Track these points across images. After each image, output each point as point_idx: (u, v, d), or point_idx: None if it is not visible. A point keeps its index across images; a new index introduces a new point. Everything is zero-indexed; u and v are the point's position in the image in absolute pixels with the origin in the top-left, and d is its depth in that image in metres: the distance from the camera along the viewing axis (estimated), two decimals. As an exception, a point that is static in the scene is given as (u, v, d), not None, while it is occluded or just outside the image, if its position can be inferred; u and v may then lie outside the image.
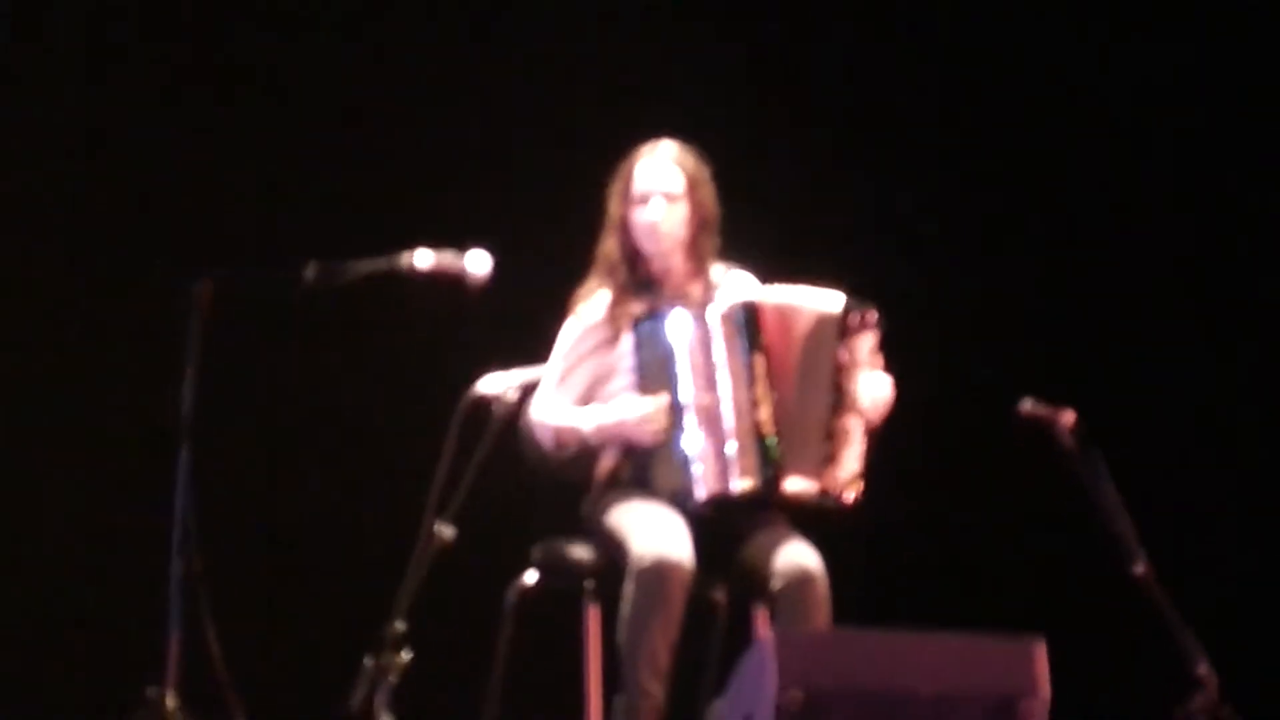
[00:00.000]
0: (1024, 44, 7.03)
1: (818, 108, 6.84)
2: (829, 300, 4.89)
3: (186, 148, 6.30)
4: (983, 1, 6.97)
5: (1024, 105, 7.04)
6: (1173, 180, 7.08)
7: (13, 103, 6.17)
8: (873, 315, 4.91)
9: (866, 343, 4.91)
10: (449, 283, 4.84)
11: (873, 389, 4.90)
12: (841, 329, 4.86)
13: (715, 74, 6.66)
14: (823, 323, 4.87)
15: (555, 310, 5.07)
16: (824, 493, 4.83)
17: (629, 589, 4.70)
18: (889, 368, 4.97)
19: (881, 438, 4.95)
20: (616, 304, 5.00)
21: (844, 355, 4.86)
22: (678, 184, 5.02)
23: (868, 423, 4.90)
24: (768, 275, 5.10)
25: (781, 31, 6.85)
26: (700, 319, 4.84)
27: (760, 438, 4.81)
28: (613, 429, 4.89)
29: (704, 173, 5.06)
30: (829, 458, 4.83)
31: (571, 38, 6.59)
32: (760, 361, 4.83)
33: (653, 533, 4.76)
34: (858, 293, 4.91)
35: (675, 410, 4.82)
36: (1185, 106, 7.06)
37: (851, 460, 4.86)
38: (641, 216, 5.01)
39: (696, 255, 5.05)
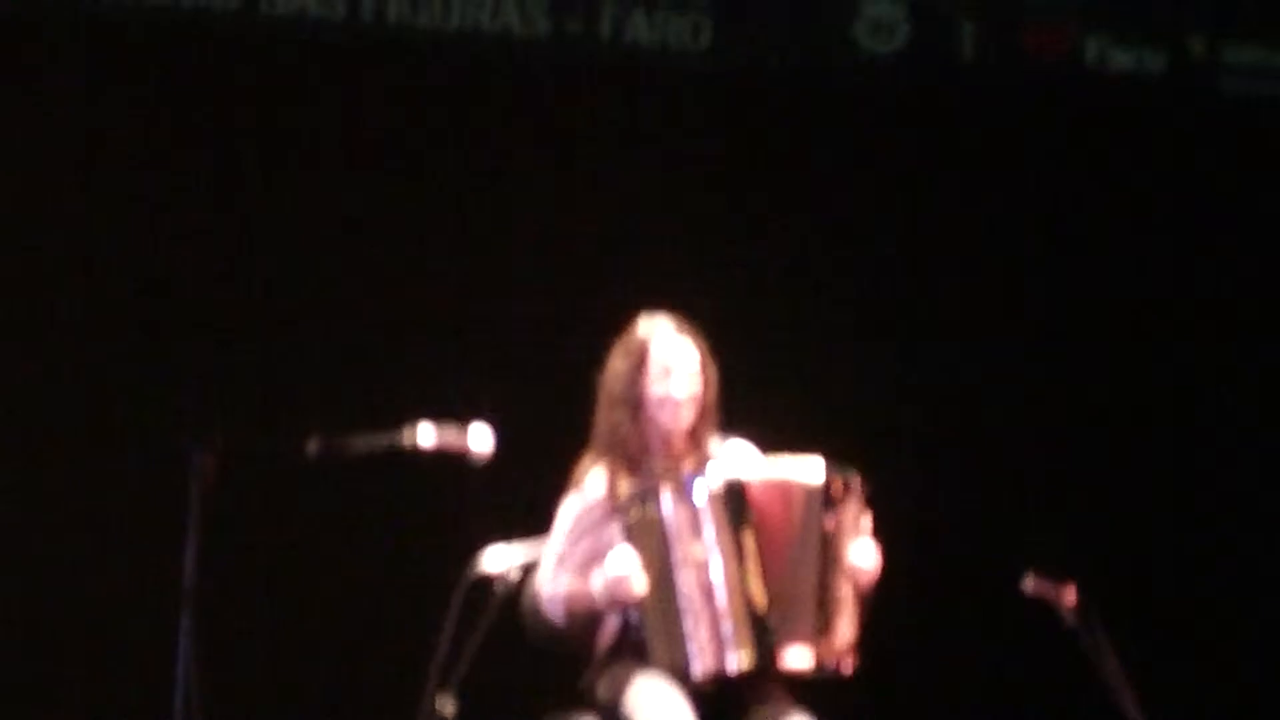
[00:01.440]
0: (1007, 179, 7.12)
1: (802, 278, 6.89)
2: (810, 470, 4.89)
3: (192, 316, 6.35)
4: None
5: (1026, 259, 7.11)
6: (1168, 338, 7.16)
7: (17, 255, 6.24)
8: (856, 481, 4.92)
9: (852, 509, 4.91)
10: (451, 459, 4.86)
11: (860, 555, 4.90)
12: (825, 498, 4.87)
13: (704, 244, 6.71)
14: (809, 494, 4.88)
15: (558, 487, 5.07)
16: (821, 665, 4.82)
17: None
18: (890, 537, 4.97)
19: (884, 608, 4.95)
20: (614, 482, 5.01)
21: (830, 524, 4.86)
22: (694, 360, 5.03)
23: (858, 588, 4.90)
24: (764, 440, 5.11)
25: (771, 199, 6.92)
26: (688, 500, 4.85)
27: (754, 614, 4.81)
28: (613, 585, 4.88)
29: (707, 349, 5.09)
30: (824, 627, 4.83)
31: (569, 213, 6.66)
32: (750, 538, 4.84)
33: (653, 705, 4.74)
34: (853, 458, 4.92)
35: (670, 588, 4.82)
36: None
37: (846, 628, 4.85)
38: (663, 391, 5.01)
39: (698, 434, 5.06)
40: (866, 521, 4.93)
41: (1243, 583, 7.01)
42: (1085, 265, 7.16)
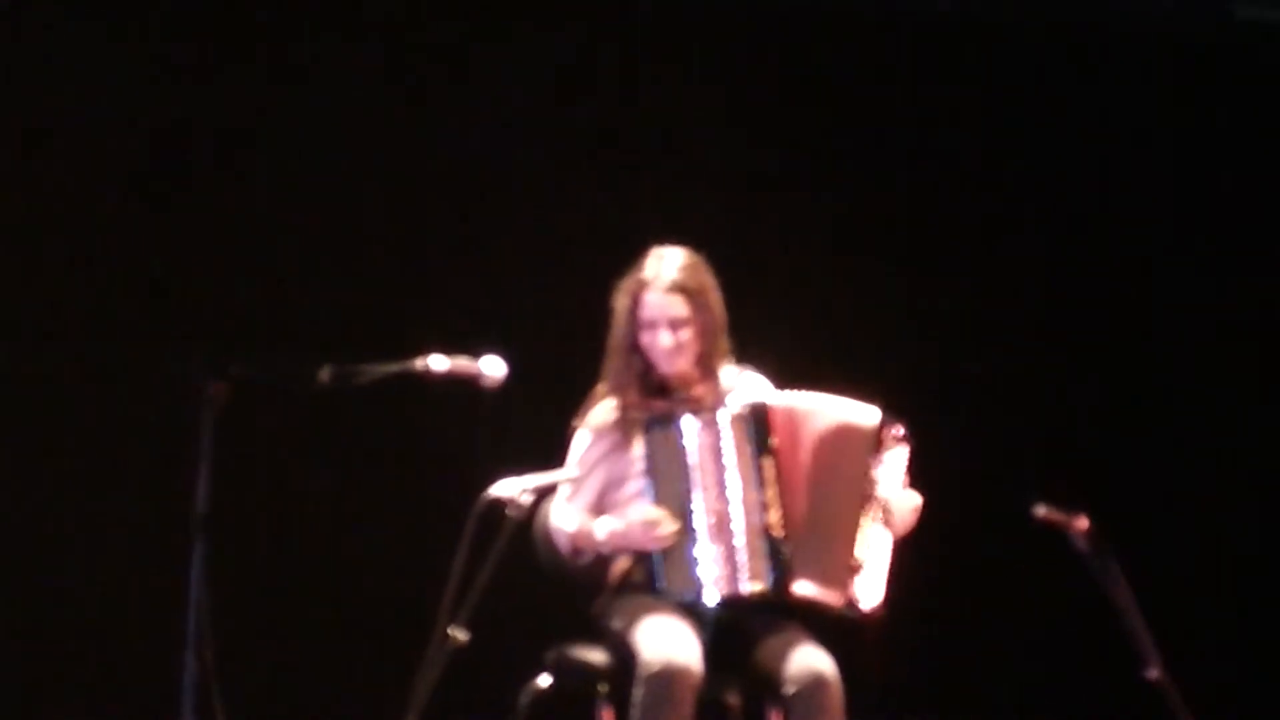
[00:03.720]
0: (1039, 142, 7.09)
1: (832, 209, 6.87)
2: (861, 412, 4.89)
3: (205, 247, 6.35)
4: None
5: (1041, 198, 7.08)
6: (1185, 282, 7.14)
7: (31, 188, 6.23)
8: (901, 430, 4.92)
9: (898, 457, 4.91)
10: (464, 386, 4.86)
11: (902, 504, 4.91)
12: (875, 443, 4.87)
13: (725, 173, 6.70)
14: (847, 432, 4.87)
15: (570, 415, 5.09)
16: (848, 604, 4.83)
17: (638, 694, 4.70)
18: (910, 472, 4.97)
19: (902, 544, 4.96)
20: (627, 409, 5.02)
21: (876, 468, 4.86)
22: (681, 309, 5.00)
23: (895, 537, 4.90)
24: (781, 375, 5.12)
25: (793, 126, 6.90)
26: (710, 423, 4.85)
27: (770, 540, 4.82)
28: (621, 537, 4.91)
29: (707, 282, 5.05)
30: (855, 568, 4.83)
31: (585, 144, 6.64)
32: (770, 464, 4.84)
33: (661, 638, 4.76)
34: (873, 397, 4.92)
35: (686, 514, 4.84)
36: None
37: (877, 573, 4.86)
38: (651, 342, 5.02)
39: (707, 362, 5.06)
40: (906, 472, 4.94)
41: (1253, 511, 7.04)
42: (1104, 207, 7.14)
